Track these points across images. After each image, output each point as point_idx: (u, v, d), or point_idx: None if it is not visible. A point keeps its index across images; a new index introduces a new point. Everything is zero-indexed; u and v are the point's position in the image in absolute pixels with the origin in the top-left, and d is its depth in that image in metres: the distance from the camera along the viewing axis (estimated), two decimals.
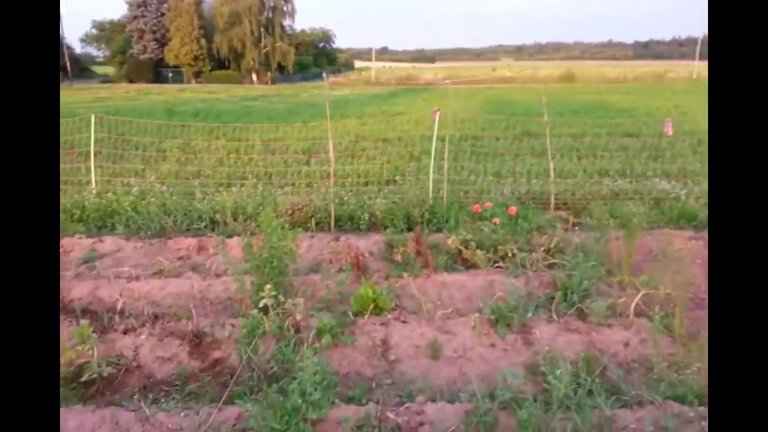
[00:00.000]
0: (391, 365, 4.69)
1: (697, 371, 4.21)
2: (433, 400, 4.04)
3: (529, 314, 5.08)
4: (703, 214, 7.96)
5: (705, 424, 3.55)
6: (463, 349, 4.79)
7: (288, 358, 4.52)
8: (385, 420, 3.76)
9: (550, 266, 6.22)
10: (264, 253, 5.56)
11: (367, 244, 7.06)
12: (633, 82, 42.66)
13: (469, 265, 6.37)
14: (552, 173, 8.79)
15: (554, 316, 5.12)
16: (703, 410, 3.68)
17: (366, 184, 9.81)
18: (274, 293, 4.89)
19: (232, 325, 4.99)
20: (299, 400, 3.69)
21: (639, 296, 5.07)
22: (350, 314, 5.11)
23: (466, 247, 6.47)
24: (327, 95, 19.40)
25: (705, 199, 8.53)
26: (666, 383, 4.17)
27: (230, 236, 7.38)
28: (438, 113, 8.52)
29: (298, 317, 4.81)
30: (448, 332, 4.92)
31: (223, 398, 4.05)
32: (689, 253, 6.32)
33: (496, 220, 6.87)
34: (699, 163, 10.62)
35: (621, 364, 4.55)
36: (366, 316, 5.05)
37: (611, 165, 11.27)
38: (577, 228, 7.61)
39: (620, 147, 13.10)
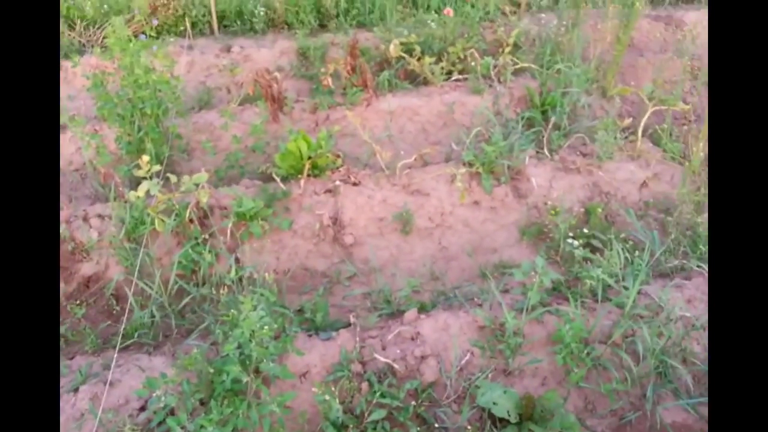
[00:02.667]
0: (348, 251, 3.31)
1: None
2: (423, 308, 2.82)
3: (514, 152, 3.73)
4: None
5: None
6: (441, 215, 3.47)
7: (201, 268, 2.96)
8: (368, 361, 2.52)
9: (517, 72, 4.72)
10: (128, 90, 3.51)
11: (272, 54, 5.00)
12: None
13: (417, 81, 4.69)
14: None
15: (545, 151, 3.84)
16: None
17: None
18: (156, 166, 3.06)
19: (101, 218, 3.20)
20: (235, 352, 2.29)
21: (648, 115, 3.85)
22: (278, 180, 3.47)
23: (411, 54, 4.69)
24: None
25: None
26: (699, 238, 3.23)
27: (67, 55, 4.92)
28: None
29: (204, 199, 3.11)
30: (417, 192, 3.51)
31: (117, 349, 2.53)
32: (681, 44, 5.05)
33: (449, 10, 4.98)
34: None
35: (636, 210, 3.51)
36: (302, 181, 3.45)
37: None
38: (532, 11, 5.95)
39: None
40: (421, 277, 3.14)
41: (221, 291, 2.67)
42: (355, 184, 3.50)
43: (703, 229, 3.20)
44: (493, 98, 4.39)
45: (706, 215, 3.39)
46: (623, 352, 2.43)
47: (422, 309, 2.80)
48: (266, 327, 2.26)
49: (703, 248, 3.05)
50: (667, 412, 2.30)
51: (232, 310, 2.36)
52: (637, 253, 2.89)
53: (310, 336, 2.64)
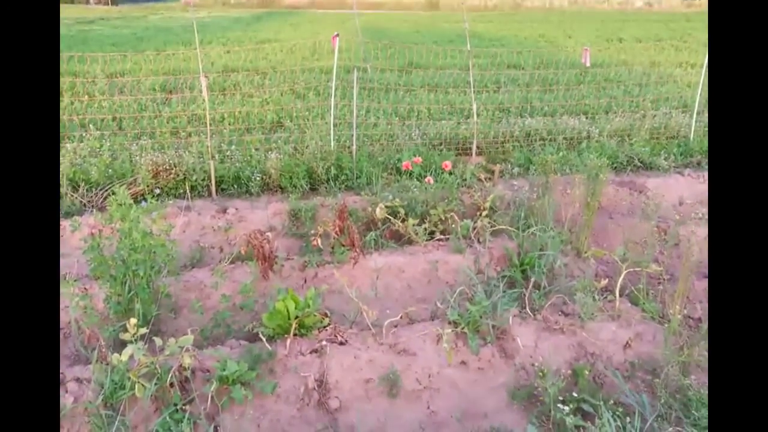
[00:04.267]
0: (333, 417, 3.16)
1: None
2: None
3: (498, 311, 3.78)
4: (622, 153, 7.19)
5: None
6: (428, 376, 3.39)
7: None
8: None
9: (495, 234, 4.97)
10: (123, 253, 3.59)
11: (265, 215, 5.25)
12: (493, 11, 42.49)
13: (402, 240, 4.90)
14: (475, 113, 7.45)
15: (528, 311, 3.89)
16: None
17: (248, 131, 7.72)
18: (142, 329, 3.02)
19: (79, 381, 3.07)
20: None
21: (623, 276, 4.01)
22: (264, 339, 3.42)
23: (396, 216, 4.96)
24: (181, 18, 16.00)
25: (620, 137, 7.83)
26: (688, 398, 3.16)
27: (68, 214, 5.11)
28: (337, 39, 6.59)
29: (187, 362, 3.03)
30: (404, 352, 3.47)
31: None
32: (647, 208, 5.44)
33: (430, 178, 5.40)
34: (599, 99, 9.95)
35: (622, 371, 3.47)
36: (288, 341, 3.41)
37: (510, 100, 10.24)
38: (505, 178, 6.45)
39: (511, 80, 12.16)
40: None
41: None
42: (341, 344, 3.46)
43: (693, 393, 3.15)
44: (474, 258, 4.57)
45: (693, 377, 3.37)
46: None
47: None
48: None
49: (696, 413, 2.97)
50: None
51: None
52: (628, 419, 2.80)
53: None
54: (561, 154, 7.10)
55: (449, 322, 3.64)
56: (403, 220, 4.94)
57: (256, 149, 6.57)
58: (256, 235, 4.21)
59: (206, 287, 4.02)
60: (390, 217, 4.97)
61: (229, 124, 7.82)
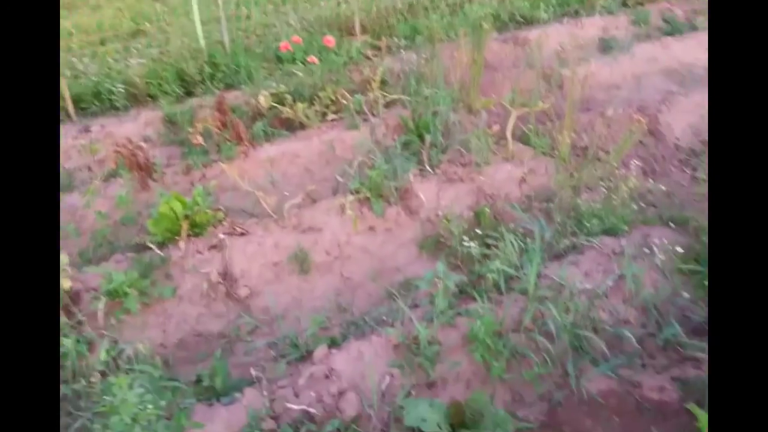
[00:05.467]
0: (245, 304, 3.03)
1: (608, 190, 3.43)
2: (334, 343, 2.60)
3: (398, 173, 3.71)
4: (503, 10, 7.09)
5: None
6: (337, 246, 3.31)
7: (71, 360, 2.54)
8: (281, 413, 2.24)
9: (389, 105, 4.80)
10: None
11: (137, 127, 4.72)
12: None
13: (294, 127, 4.61)
14: None
15: (428, 168, 3.85)
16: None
17: (102, 43, 6.77)
18: None
19: None
20: None
21: (513, 118, 4.02)
22: (153, 247, 3.14)
23: (283, 103, 4.62)
24: None
25: None
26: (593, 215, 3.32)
27: None
28: None
29: (67, 285, 2.71)
30: (309, 230, 3.34)
31: None
32: (530, 57, 5.43)
33: (313, 57, 5.02)
34: None
35: (520, 204, 3.57)
36: (181, 243, 3.15)
37: None
38: (392, 52, 6.18)
39: None
40: (328, 311, 2.93)
41: (91, 380, 2.28)
42: (242, 235, 3.26)
43: (585, 209, 3.30)
44: (370, 130, 4.40)
45: (584, 196, 3.53)
46: (537, 335, 2.36)
47: (333, 344, 2.57)
48: (150, 406, 1.93)
49: (588, 224, 3.13)
50: (591, 383, 2.23)
51: (105, 397, 2.00)
52: (529, 241, 2.89)
53: (210, 405, 2.31)
54: (445, 20, 6.89)
55: (351, 192, 3.52)
56: (291, 106, 4.62)
57: (115, 60, 5.80)
58: (125, 145, 3.76)
59: (79, 209, 3.60)
60: (276, 105, 4.63)
61: (77, 39, 6.80)
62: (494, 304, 2.59)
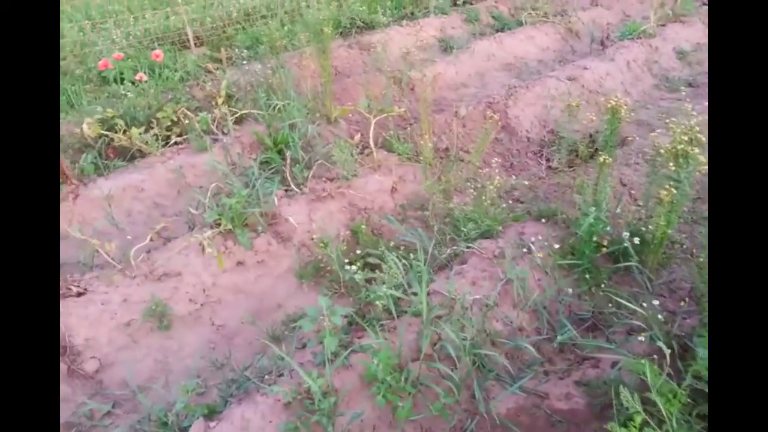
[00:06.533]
0: (96, 381, 2.46)
1: (476, 191, 3.43)
2: (212, 411, 2.19)
3: (261, 197, 3.34)
4: (343, 16, 6.97)
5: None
6: (203, 291, 2.86)
7: None
8: None
9: (239, 121, 4.38)
10: None
11: None
12: None
13: (132, 156, 3.97)
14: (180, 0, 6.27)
15: (293, 187, 3.53)
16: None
17: None
18: None
19: None
20: None
21: (373, 125, 3.86)
22: None
23: (114, 129, 3.95)
24: None
25: (337, 1, 7.54)
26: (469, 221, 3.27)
27: None
28: None
29: None
30: (165, 276, 2.84)
31: None
32: (378, 62, 5.34)
33: (142, 75, 4.38)
34: None
35: (395, 215, 3.43)
36: None
37: None
38: (235, 63, 5.71)
39: None
40: (201, 372, 2.49)
41: None
42: (80, 295, 2.66)
43: (459, 213, 3.25)
44: (223, 151, 3.95)
45: (455, 200, 3.50)
46: (438, 363, 2.20)
47: (211, 413, 2.16)
48: None
49: (464, 229, 3.08)
50: (500, 403, 2.13)
51: None
52: (412, 255, 2.74)
53: None
54: (286, 27, 6.57)
55: (210, 226, 3.08)
56: (125, 132, 3.98)
57: None
58: None
59: None
60: (106, 133, 3.95)
61: None
62: (388, 332, 2.38)
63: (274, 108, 4.31)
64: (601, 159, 2.86)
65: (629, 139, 4.14)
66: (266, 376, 2.30)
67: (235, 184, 3.34)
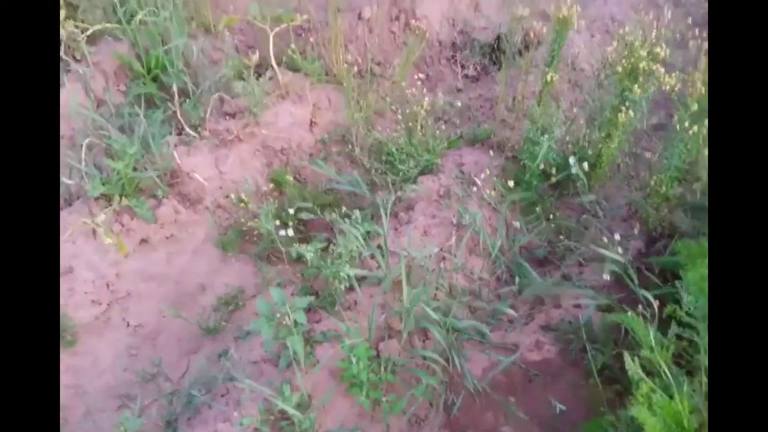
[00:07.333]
0: None
1: (401, 118, 3.05)
2: None
3: (153, 150, 2.67)
4: None
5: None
6: (106, 287, 2.30)
7: None
8: None
9: (93, 41, 3.39)
10: None
11: None
12: None
13: None
14: None
15: (188, 130, 2.88)
16: None
17: None
18: None
19: None
20: None
21: (271, 40, 3.17)
22: None
23: None
24: None
25: None
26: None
27: None
28: None
29: None
30: None
31: None
32: None
33: None
34: None
35: (317, 154, 2.98)
36: None
37: None
38: None
39: None
40: (129, 389, 2.07)
41: None
42: None
43: (383, 141, 2.88)
44: (83, 85, 3.08)
45: (378, 127, 3.10)
46: (416, 349, 1.99)
47: None
48: None
49: (390, 157, 2.77)
50: (475, 365, 2.03)
51: None
52: (345, 209, 2.37)
53: None
54: None
55: (95, 199, 2.43)
56: None
57: None
58: None
59: None
60: None
61: None
62: (348, 309, 2.10)
63: (138, 20, 3.38)
64: (548, 77, 2.61)
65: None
66: (213, 388, 1.95)
67: (113, 136, 2.62)
